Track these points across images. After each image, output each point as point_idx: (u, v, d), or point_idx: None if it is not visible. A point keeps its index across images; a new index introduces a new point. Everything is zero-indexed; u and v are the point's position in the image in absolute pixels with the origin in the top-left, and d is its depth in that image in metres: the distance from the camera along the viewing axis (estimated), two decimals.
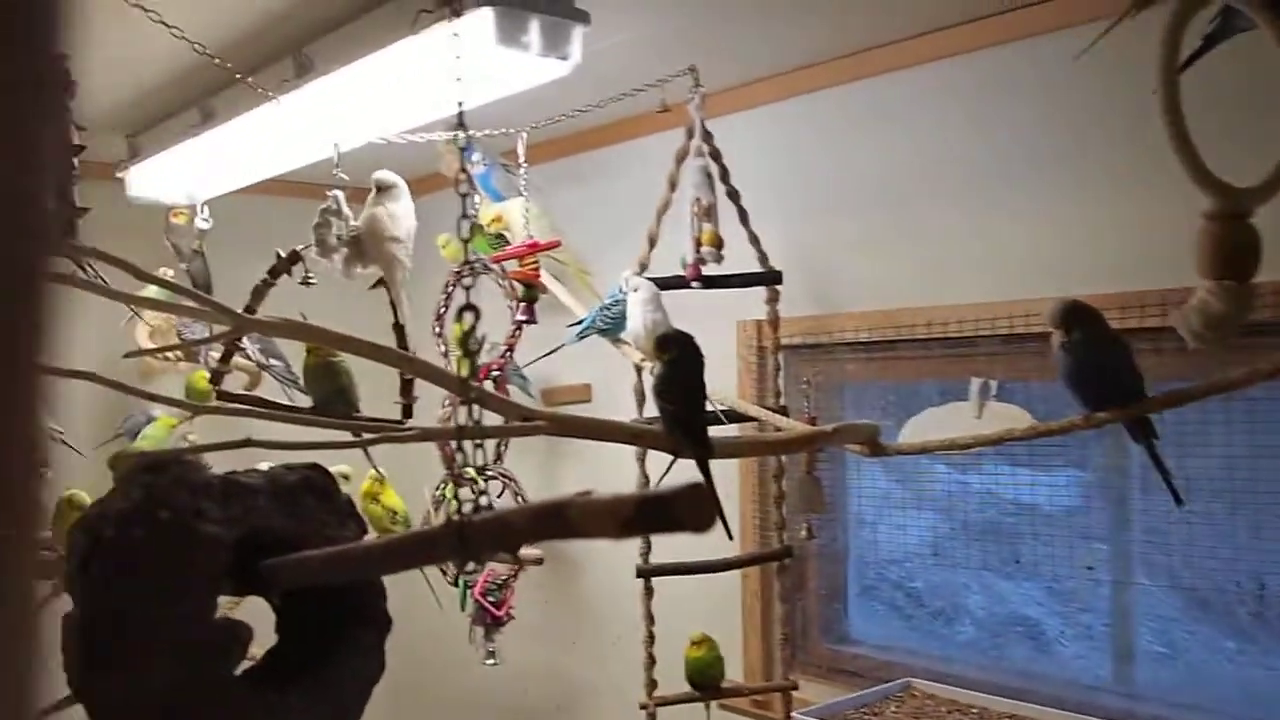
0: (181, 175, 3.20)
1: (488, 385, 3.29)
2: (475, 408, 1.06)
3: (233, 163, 3.01)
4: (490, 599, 3.27)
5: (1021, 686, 2.49)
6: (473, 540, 0.90)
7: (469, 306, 0.94)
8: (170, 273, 3.53)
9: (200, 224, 3.36)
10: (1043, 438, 1.91)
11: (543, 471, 3.67)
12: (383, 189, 2.15)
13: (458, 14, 1.77)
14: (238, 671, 1.26)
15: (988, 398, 2.50)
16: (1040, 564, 2.54)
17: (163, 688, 1.10)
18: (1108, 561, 2.45)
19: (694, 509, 0.75)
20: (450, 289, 3.38)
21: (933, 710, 2.39)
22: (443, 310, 3.36)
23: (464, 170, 0.95)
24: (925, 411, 2.62)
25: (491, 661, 3.28)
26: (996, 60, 2.48)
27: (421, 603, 3.01)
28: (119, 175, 3.26)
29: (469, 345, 0.95)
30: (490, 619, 3.29)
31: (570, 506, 0.81)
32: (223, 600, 1.35)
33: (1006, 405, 2.49)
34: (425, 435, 1.26)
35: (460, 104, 1.01)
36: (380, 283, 2.15)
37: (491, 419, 1.52)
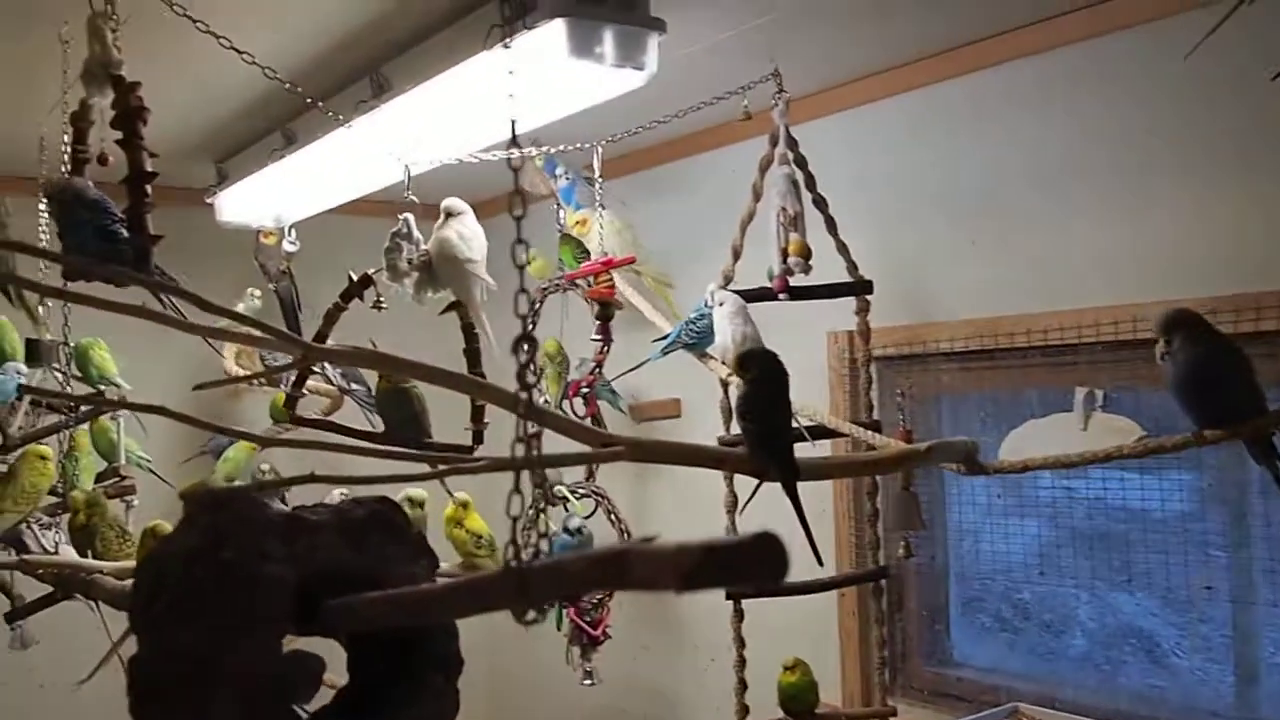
0: (268, 198, 3.23)
1: (578, 402, 3.24)
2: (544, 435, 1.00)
3: (316, 184, 3.02)
4: (586, 618, 3.22)
5: (1136, 711, 2.37)
6: (532, 587, 0.84)
7: (526, 337, 0.89)
8: (258, 293, 3.58)
9: (288, 246, 3.39)
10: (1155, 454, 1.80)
11: (634, 488, 3.62)
12: (452, 215, 2.12)
13: (523, 26, 1.72)
14: (311, 707, 1.23)
15: (1093, 408, 2.38)
16: (1154, 573, 2.40)
17: None
18: (1226, 573, 2.31)
19: (762, 561, 0.68)
20: (536, 305, 3.34)
21: None
22: (530, 328, 3.32)
23: (519, 193, 0.89)
24: (1027, 423, 2.51)
25: (589, 682, 3.23)
26: (1097, 52, 2.37)
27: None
28: (209, 200, 3.29)
29: (525, 379, 0.89)
30: (587, 638, 3.23)
31: (630, 555, 0.75)
32: None
33: (1114, 416, 2.36)
34: (492, 465, 1.21)
35: (514, 121, 0.96)
36: (453, 306, 2.12)
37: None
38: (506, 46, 0.89)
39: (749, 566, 0.69)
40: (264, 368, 3.56)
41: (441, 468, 1.41)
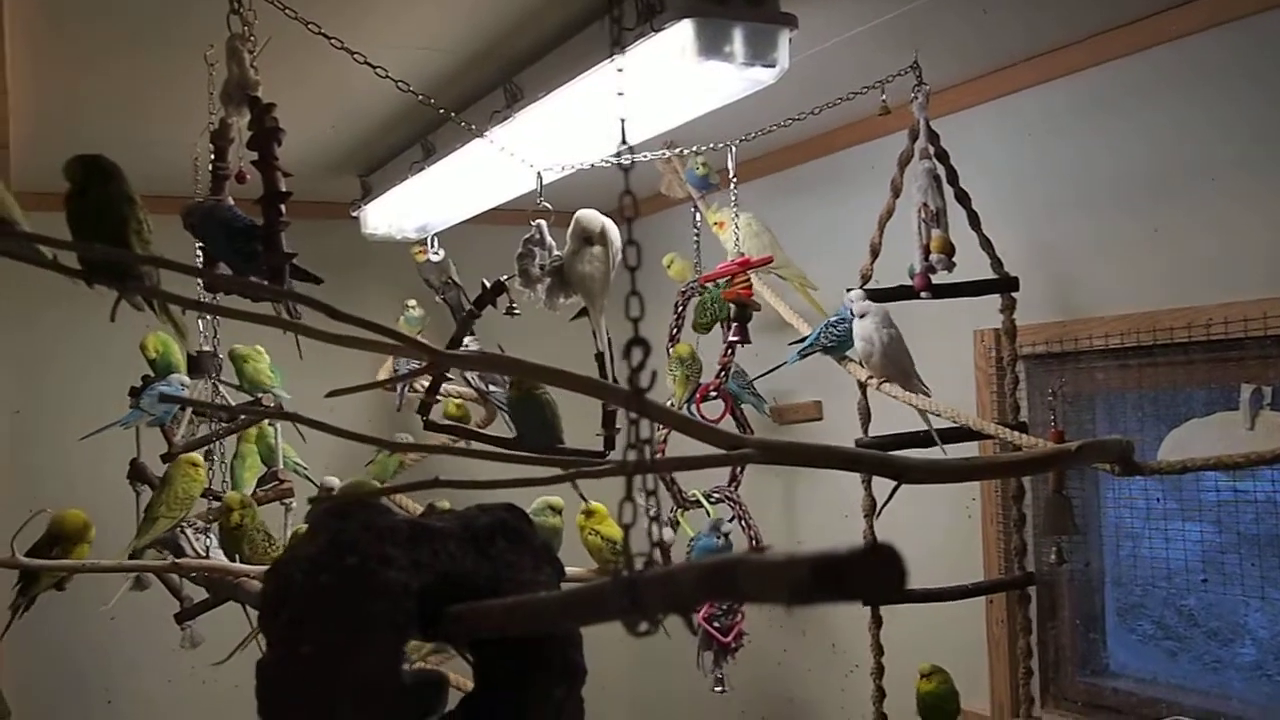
0: (411, 210, 3.30)
1: (709, 407, 3.20)
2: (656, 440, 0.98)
3: (456, 195, 3.07)
4: (716, 625, 3.16)
5: None
6: (644, 599, 0.82)
7: (636, 340, 0.86)
8: (413, 303, 3.66)
9: (431, 256, 3.45)
10: None
11: (782, 492, 3.58)
12: (590, 240, 2.12)
13: (651, 29, 1.70)
14: None
15: (1261, 406, 2.24)
16: None
17: None
18: None
19: (876, 574, 0.64)
20: (680, 309, 3.33)
21: None
22: (675, 331, 3.31)
23: (629, 194, 0.87)
24: (1188, 423, 2.37)
25: (719, 689, 3.17)
26: (1253, 31, 2.23)
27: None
28: (354, 214, 3.38)
29: (638, 383, 0.87)
30: (718, 645, 3.18)
31: (740, 567, 0.72)
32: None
33: None
34: (608, 471, 1.19)
35: (623, 121, 0.94)
36: (583, 313, 2.11)
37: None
38: (621, 51, 0.87)
39: (862, 580, 0.65)
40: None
41: (559, 473, 1.39)
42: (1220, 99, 2.32)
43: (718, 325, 3.04)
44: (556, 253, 2.18)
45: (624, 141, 0.92)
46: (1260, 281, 2.22)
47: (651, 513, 0.86)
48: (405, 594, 1.12)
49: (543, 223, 2.22)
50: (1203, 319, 2.30)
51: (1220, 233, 2.32)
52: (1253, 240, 2.26)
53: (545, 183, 2.48)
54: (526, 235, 2.20)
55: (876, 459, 1.54)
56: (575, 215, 2.20)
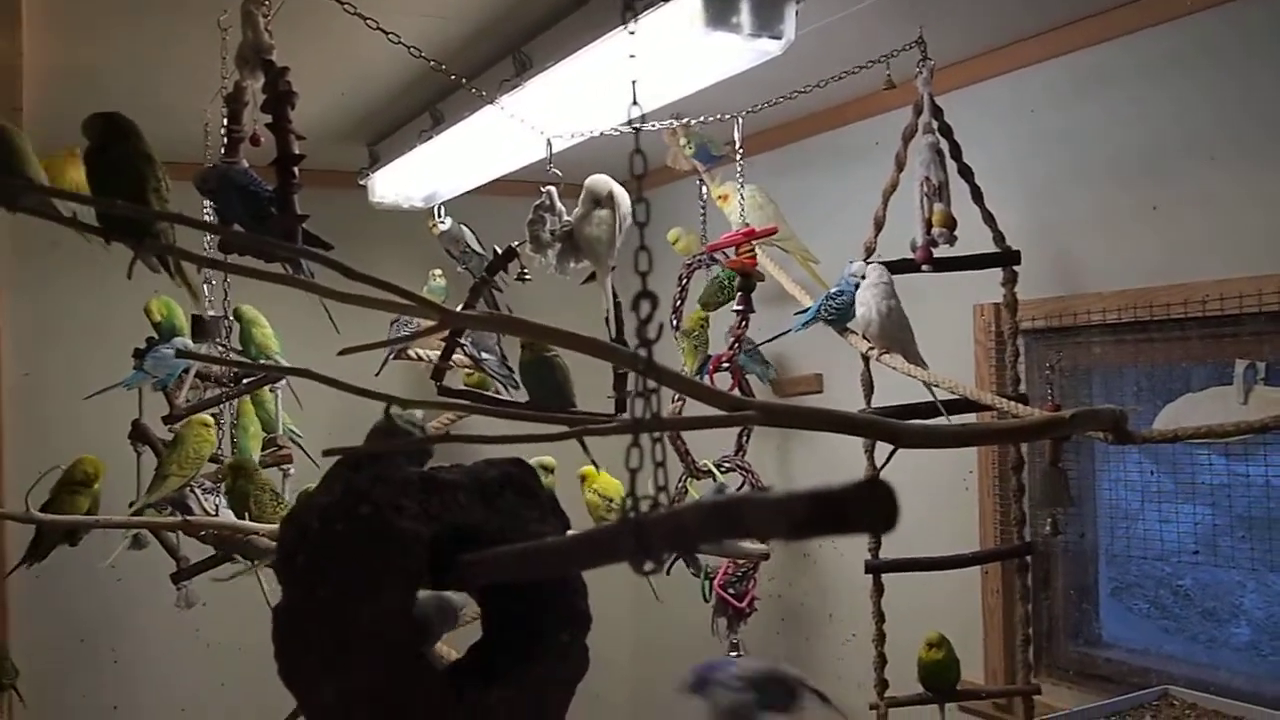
0: (419, 179, 3.32)
1: (721, 379, 3.24)
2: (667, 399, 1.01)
3: (463, 163, 3.09)
4: (730, 591, 3.23)
5: None
6: (650, 539, 0.85)
7: (645, 294, 0.90)
8: (438, 273, 3.66)
9: (440, 225, 3.47)
10: None
11: (779, 462, 3.62)
12: (598, 203, 2.14)
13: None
14: (441, 666, 1.27)
15: (1254, 381, 2.28)
16: None
17: (363, 680, 1.11)
18: None
19: (870, 508, 0.68)
20: (684, 281, 3.37)
21: None
22: (678, 303, 3.34)
23: (639, 152, 0.90)
24: (1183, 398, 2.41)
25: (735, 654, 3.24)
26: (1252, 9, 2.25)
27: (666, 590, 2.96)
28: (361, 183, 3.40)
29: (645, 336, 0.90)
30: (732, 611, 3.25)
31: (743, 505, 0.75)
32: None
33: (1277, 389, 2.25)
34: (611, 428, 1.22)
35: (633, 105, 0.96)
36: (593, 277, 2.14)
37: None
38: (631, 32, 0.89)
39: (858, 514, 0.69)
40: (423, 345, 3.66)
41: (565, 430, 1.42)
42: (1220, 78, 2.34)
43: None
44: (566, 218, 2.21)
45: (635, 102, 0.95)
46: (1255, 259, 2.25)
47: (658, 459, 0.90)
48: (417, 542, 1.15)
49: (553, 189, 2.24)
50: (1199, 295, 2.34)
51: (1217, 210, 2.35)
52: (1248, 218, 2.29)
53: (554, 151, 2.51)
54: (537, 202, 2.22)
55: (874, 423, 1.57)
56: (586, 180, 2.23)
